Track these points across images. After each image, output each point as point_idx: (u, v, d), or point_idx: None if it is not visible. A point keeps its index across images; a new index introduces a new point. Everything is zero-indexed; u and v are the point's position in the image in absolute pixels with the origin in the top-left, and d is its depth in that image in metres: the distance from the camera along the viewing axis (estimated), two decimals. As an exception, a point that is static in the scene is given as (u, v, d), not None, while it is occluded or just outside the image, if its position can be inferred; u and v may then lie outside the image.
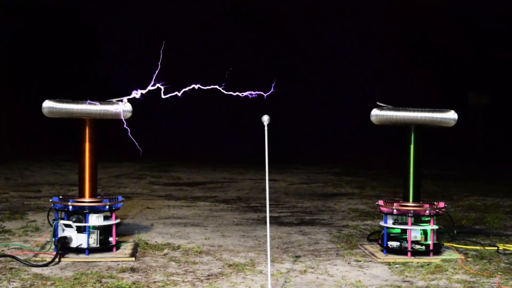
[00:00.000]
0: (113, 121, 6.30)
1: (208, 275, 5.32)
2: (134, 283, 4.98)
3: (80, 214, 5.95)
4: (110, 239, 6.12)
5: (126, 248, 6.31)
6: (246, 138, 27.48)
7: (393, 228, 6.32)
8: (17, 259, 5.65)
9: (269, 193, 5.95)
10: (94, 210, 5.98)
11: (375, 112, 6.31)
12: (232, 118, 30.84)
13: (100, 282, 5.02)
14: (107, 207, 6.02)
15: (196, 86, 5.20)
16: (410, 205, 6.29)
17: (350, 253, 6.32)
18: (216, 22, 30.98)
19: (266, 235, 6.95)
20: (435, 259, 6.03)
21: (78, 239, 5.93)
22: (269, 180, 5.04)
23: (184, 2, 29.88)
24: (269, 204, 5.86)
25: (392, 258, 6.05)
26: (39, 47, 29.40)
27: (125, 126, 5.86)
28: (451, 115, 6.29)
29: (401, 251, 6.18)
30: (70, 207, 5.95)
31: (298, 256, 6.17)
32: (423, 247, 6.19)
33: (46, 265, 5.51)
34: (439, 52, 29.87)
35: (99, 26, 30.61)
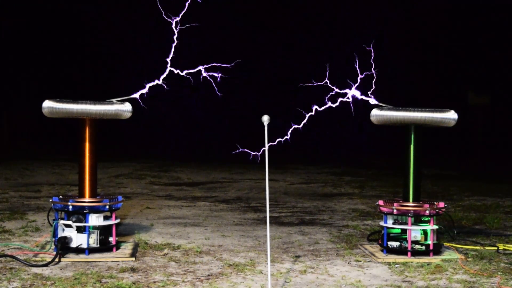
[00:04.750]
0: (113, 121, 6.31)
1: (208, 275, 5.32)
2: (134, 283, 4.98)
3: (80, 214, 5.95)
4: (110, 239, 6.12)
5: (126, 248, 6.31)
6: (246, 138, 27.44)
7: (393, 228, 6.33)
8: (17, 259, 5.65)
9: (269, 193, 5.95)
10: (94, 210, 5.98)
11: (375, 112, 6.32)
12: (232, 118, 30.86)
13: (100, 282, 5.02)
14: (107, 207, 6.02)
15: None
16: (410, 205, 6.29)
17: (350, 253, 6.32)
18: (215, 21, 30.97)
19: (266, 235, 6.95)
20: (435, 259, 6.03)
21: (78, 239, 5.93)
22: (269, 180, 5.04)
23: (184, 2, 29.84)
24: (269, 204, 5.86)
25: (392, 258, 6.05)
26: (39, 47, 29.41)
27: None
28: (451, 115, 6.29)
29: (401, 251, 6.18)
30: (70, 207, 5.95)
31: (298, 256, 6.17)
32: (423, 247, 6.19)
33: (46, 265, 5.51)
34: (439, 52, 29.87)
35: (99, 26, 30.61)
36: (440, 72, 29.77)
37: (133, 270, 5.45)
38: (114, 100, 6.11)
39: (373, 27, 29.09)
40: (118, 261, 5.79)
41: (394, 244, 6.26)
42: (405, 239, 6.23)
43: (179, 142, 28.85)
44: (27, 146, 25.94)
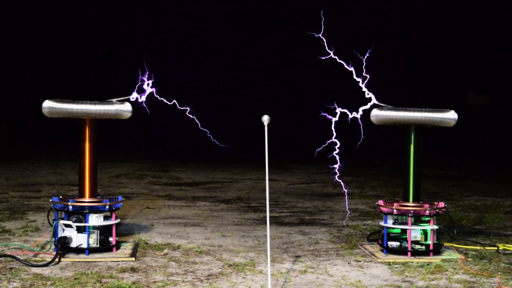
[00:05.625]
0: (113, 121, 6.31)
1: (208, 275, 5.32)
2: (134, 283, 4.98)
3: (80, 214, 5.95)
4: (110, 239, 6.12)
5: (126, 248, 6.31)
6: (246, 138, 27.47)
7: (393, 228, 6.32)
8: (17, 259, 5.65)
9: (269, 193, 5.95)
10: (94, 210, 5.98)
11: (375, 112, 6.32)
12: (232, 117, 30.86)
13: (100, 282, 5.02)
14: (107, 207, 6.02)
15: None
16: (410, 205, 6.29)
17: (350, 253, 6.32)
18: (215, 20, 30.98)
19: (266, 235, 6.95)
20: (435, 259, 6.03)
21: (78, 239, 5.93)
22: (269, 180, 5.04)
23: (184, 1, 29.89)
24: (269, 204, 5.86)
25: (392, 258, 6.04)
26: (39, 47, 29.40)
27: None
28: (451, 115, 6.29)
29: (401, 251, 6.18)
30: (70, 207, 5.95)
31: (298, 256, 6.17)
32: (423, 247, 6.18)
33: (46, 265, 5.51)
34: (439, 52, 29.88)
35: (99, 26, 30.61)
36: (440, 72, 29.78)
37: (133, 270, 5.45)
38: (114, 100, 6.11)
39: (373, 27, 29.09)
40: (118, 261, 5.79)
41: (394, 244, 6.26)
42: (405, 239, 6.22)
43: (180, 142, 28.85)
44: (27, 146, 25.95)
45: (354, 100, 6.51)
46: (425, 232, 6.25)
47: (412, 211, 6.18)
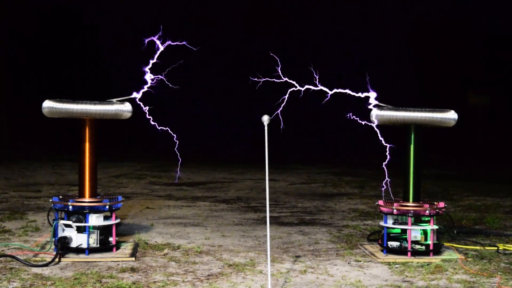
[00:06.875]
0: (113, 121, 6.31)
1: (208, 275, 5.32)
2: (134, 283, 4.98)
3: (80, 214, 5.95)
4: (110, 239, 6.12)
5: (126, 248, 6.31)
6: (246, 138, 27.47)
7: (393, 228, 6.33)
8: (17, 259, 5.65)
9: (269, 193, 5.95)
10: (94, 210, 5.98)
11: (375, 112, 6.31)
12: (232, 117, 30.85)
13: (100, 282, 5.02)
14: (107, 207, 6.02)
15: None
16: (410, 205, 6.29)
17: (350, 253, 6.32)
18: (215, 20, 30.98)
19: (266, 235, 6.95)
20: (435, 259, 6.03)
21: (78, 239, 5.93)
22: (269, 180, 5.04)
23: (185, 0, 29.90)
24: (269, 204, 5.86)
25: (392, 258, 6.04)
26: (40, 47, 29.39)
27: None
28: (451, 115, 6.29)
29: (401, 251, 6.18)
30: (70, 207, 5.95)
31: (298, 256, 6.17)
32: (423, 247, 6.19)
33: (46, 265, 5.51)
34: (439, 52, 29.89)
35: (99, 26, 30.60)
36: (440, 72, 29.78)
37: (133, 270, 5.45)
38: (114, 100, 6.11)
39: (374, 28, 29.08)
40: (118, 261, 5.79)
41: (394, 244, 6.26)
42: (405, 239, 6.22)
43: (181, 142, 28.83)
44: (27, 146, 25.95)
45: (354, 100, 6.50)
46: (425, 232, 6.25)
47: (412, 211, 6.18)
